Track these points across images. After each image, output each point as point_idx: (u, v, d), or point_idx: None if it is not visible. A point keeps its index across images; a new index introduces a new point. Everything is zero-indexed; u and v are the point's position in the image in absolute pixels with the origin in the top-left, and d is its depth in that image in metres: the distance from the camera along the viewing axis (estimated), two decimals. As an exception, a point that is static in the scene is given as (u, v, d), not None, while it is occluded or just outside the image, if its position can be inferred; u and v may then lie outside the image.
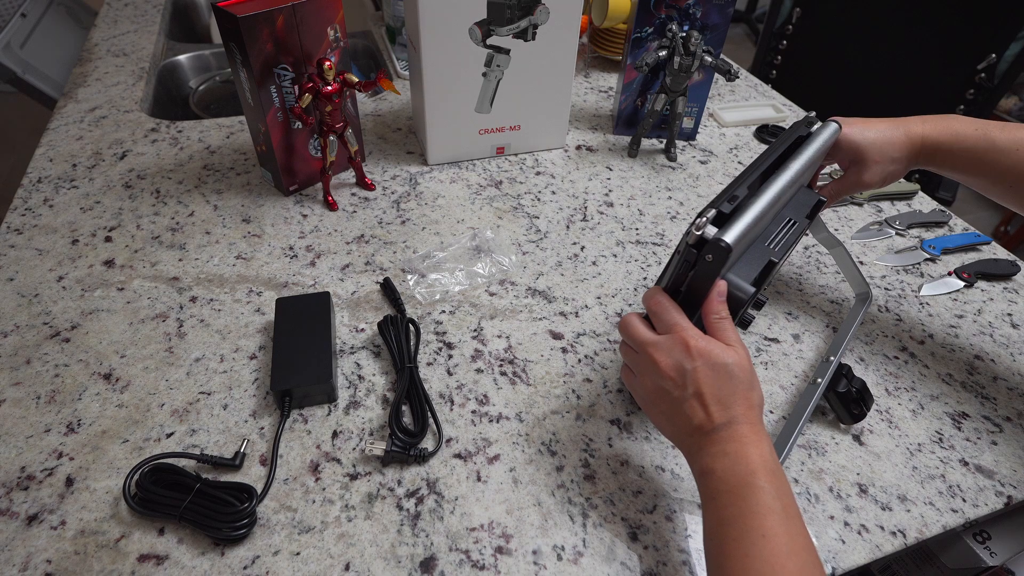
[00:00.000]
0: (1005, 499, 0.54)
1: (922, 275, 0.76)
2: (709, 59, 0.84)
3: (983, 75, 1.23)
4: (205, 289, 0.68)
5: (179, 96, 1.19)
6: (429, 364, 0.62)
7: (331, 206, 0.80)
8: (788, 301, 0.72)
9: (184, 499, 0.48)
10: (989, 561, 0.58)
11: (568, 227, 0.80)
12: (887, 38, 1.39)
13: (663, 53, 0.83)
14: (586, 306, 0.69)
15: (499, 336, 0.65)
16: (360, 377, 0.60)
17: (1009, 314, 0.72)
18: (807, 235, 0.75)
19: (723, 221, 0.45)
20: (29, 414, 0.55)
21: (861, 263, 0.77)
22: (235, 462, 0.52)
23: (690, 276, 0.47)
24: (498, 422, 0.57)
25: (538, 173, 0.90)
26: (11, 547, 0.47)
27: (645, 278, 0.73)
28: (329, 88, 0.73)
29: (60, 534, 0.48)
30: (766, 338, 0.67)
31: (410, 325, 0.64)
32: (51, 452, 0.53)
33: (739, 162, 0.95)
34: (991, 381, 0.64)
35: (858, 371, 0.63)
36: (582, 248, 0.77)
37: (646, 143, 0.97)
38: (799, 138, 0.58)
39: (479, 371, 0.62)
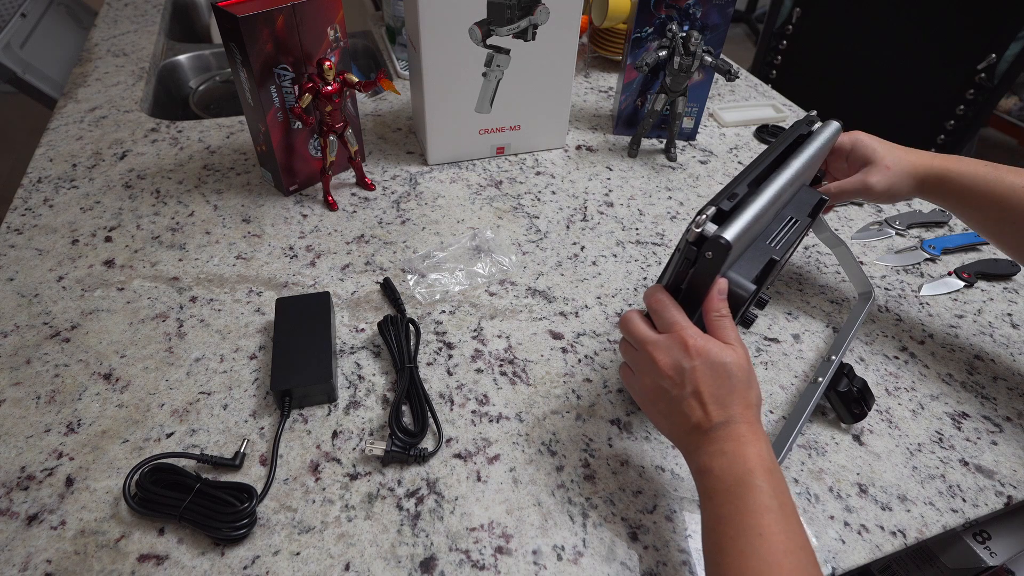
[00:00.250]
0: (1005, 499, 0.54)
1: (922, 275, 0.76)
2: (709, 59, 0.84)
3: (983, 75, 1.23)
4: (205, 289, 0.68)
5: (179, 96, 1.19)
6: (429, 364, 0.62)
7: (331, 206, 0.80)
8: (788, 301, 0.72)
9: (184, 499, 0.48)
10: (989, 561, 0.58)
11: (568, 227, 0.80)
12: (887, 38, 1.39)
13: (663, 53, 0.83)
14: (586, 306, 0.69)
15: (499, 336, 0.65)
16: (360, 377, 0.60)
17: (1009, 314, 0.72)
18: (808, 235, 0.75)
19: (723, 218, 0.45)
20: (29, 414, 0.55)
21: (861, 263, 0.77)
22: (235, 462, 0.52)
23: (690, 273, 0.47)
24: (498, 422, 0.57)
25: (538, 173, 0.90)
26: (11, 547, 0.47)
27: (645, 278, 0.73)
28: (329, 88, 0.73)
29: (60, 534, 0.48)
30: (766, 338, 0.67)
31: (410, 325, 0.64)
32: (51, 452, 0.53)
33: (739, 162, 0.95)
34: (991, 381, 0.64)
35: (858, 371, 0.63)
36: (582, 248, 0.77)
37: (646, 143, 0.97)
38: (800, 137, 0.58)
39: (479, 371, 0.62)
